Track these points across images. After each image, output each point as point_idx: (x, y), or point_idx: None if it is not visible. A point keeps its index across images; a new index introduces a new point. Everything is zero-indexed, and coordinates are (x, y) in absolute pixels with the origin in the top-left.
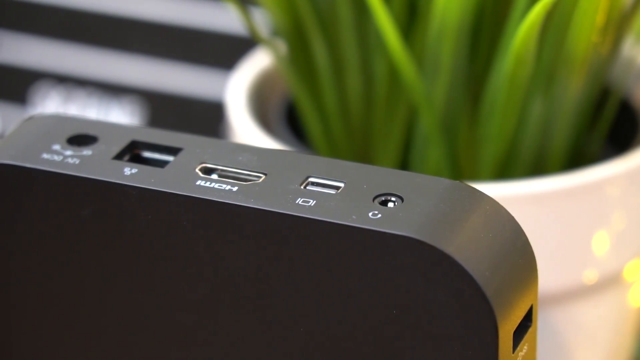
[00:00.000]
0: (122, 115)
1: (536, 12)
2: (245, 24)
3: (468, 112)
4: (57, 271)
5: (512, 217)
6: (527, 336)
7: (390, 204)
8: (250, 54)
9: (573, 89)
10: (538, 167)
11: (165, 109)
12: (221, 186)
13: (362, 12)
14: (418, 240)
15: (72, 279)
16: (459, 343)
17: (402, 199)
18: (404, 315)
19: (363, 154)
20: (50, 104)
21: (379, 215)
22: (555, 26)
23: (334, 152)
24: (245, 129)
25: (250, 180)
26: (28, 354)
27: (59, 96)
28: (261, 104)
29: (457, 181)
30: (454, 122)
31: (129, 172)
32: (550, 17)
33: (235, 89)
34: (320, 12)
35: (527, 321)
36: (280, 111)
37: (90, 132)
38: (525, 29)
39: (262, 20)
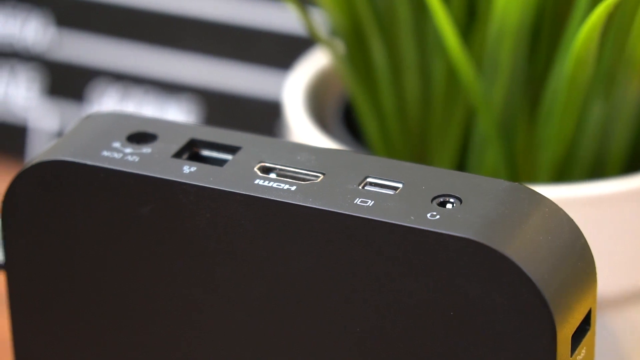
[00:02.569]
0: (178, 114)
1: (598, 14)
2: (304, 23)
3: (527, 113)
4: (116, 268)
5: (571, 220)
6: (586, 340)
7: (449, 205)
8: (307, 53)
9: (633, 92)
10: (597, 170)
11: (222, 108)
12: (280, 185)
13: (421, 12)
14: (476, 242)
15: (131, 275)
16: (517, 346)
17: (460, 200)
18: (462, 316)
19: (420, 154)
20: (108, 101)
21: (438, 217)
22: (616, 28)
23: (391, 152)
24: (302, 128)
25: (308, 180)
26: (91, 346)
27: (116, 94)
28: (318, 104)
29: (516, 183)
30: (512, 123)
31: (188, 171)
32: (611, 18)
33: (293, 89)
34: (379, 12)
35: (586, 325)
36: (337, 111)
37: (150, 130)
38: (586, 30)
39: (320, 20)
